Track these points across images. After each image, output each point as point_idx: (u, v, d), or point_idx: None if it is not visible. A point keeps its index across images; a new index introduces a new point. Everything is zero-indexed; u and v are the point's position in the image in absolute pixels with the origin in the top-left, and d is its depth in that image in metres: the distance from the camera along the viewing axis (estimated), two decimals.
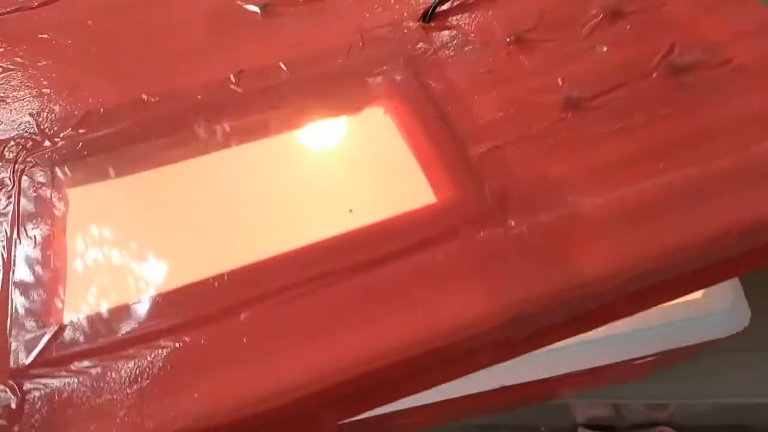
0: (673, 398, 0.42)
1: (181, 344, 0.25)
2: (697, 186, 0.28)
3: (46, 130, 0.34)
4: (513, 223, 0.27)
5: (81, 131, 0.34)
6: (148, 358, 0.25)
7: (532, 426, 0.52)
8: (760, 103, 0.31)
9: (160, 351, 0.25)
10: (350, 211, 0.29)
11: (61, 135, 0.34)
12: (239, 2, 0.40)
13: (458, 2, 0.38)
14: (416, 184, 0.30)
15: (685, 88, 0.32)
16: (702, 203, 0.27)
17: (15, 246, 0.29)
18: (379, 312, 0.25)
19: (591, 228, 0.27)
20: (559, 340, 0.27)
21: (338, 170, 0.33)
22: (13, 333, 0.26)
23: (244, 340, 0.25)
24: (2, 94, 0.36)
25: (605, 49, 0.34)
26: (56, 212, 0.31)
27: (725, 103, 0.31)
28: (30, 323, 0.27)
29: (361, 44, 0.37)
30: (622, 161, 0.30)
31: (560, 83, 0.33)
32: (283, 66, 0.36)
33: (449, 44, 0.36)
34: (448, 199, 0.29)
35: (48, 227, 0.30)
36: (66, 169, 0.33)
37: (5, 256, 0.29)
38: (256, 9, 0.39)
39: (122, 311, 0.27)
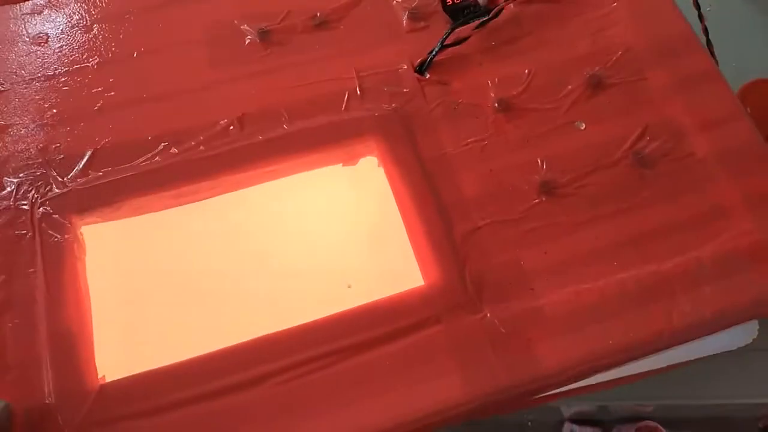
0: (660, 399, 0.48)
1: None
2: (646, 286, 0.33)
3: (56, 170, 0.36)
4: (488, 314, 0.32)
5: (90, 173, 0.36)
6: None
7: (519, 421, 0.57)
8: (714, 200, 0.36)
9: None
10: (348, 286, 0.33)
11: (71, 175, 0.36)
12: (236, 22, 0.40)
13: (452, 53, 0.40)
14: (407, 260, 0.34)
15: (648, 181, 0.36)
16: (648, 304, 0.33)
17: (42, 300, 0.32)
18: (365, 392, 0.31)
19: (551, 323, 0.32)
20: (512, 411, 0.33)
21: (336, 239, 0.36)
22: (50, 394, 0.30)
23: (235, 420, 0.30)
24: (4, 120, 0.37)
25: (583, 126, 0.38)
26: (77, 261, 0.34)
27: (683, 198, 0.36)
28: (66, 384, 0.31)
29: (358, 92, 0.39)
30: (584, 255, 0.34)
31: (539, 164, 0.37)
32: (283, 112, 0.38)
33: (441, 102, 0.38)
34: (434, 283, 0.33)
35: (71, 277, 0.33)
36: (80, 212, 0.35)
37: (34, 311, 0.32)
38: (255, 35, 0.40)
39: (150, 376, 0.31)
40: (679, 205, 0.36)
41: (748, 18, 0.70)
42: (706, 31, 0.43)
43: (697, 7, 0.44)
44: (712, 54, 0.41)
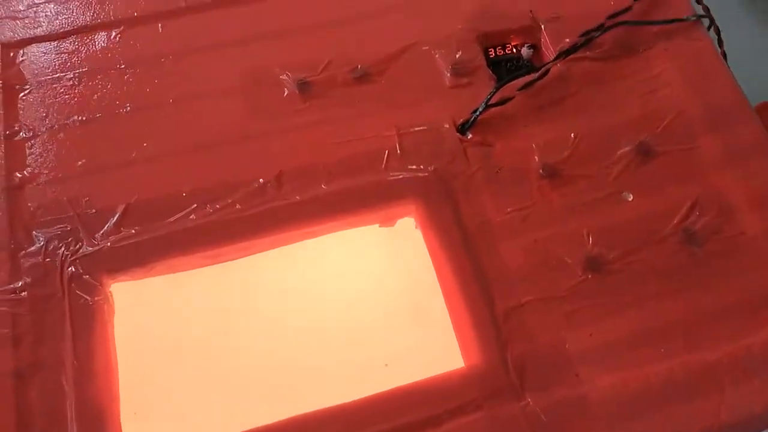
0: None
1: None
2: (693, 375, 0.32)
3: (87, 226, 0.35)
4: (530, 401, 0.31)
5: (122, 230, 0.35)
6: None
7: None
8: (766, 284, 0.34)
9: None
10: (386, 365, 0.32)
11: (102, 232, 0.34)
12: (276, 71, 0.39)
13: (495, 111, 0.38)
14: (446, 337, 0.33)
15: (697, 260, 0.35)
16: (694, 396, 0.32)
17: (71, 367, 0.32)
18: None
19: (594, 415, 0.31)
20: None
21: (373, 310, 0.35)
22: None
23: None
24: (33, 168, 0.36)
25: (630, 198, 0.36)
26: (107, 324, 0.33)
27: (733, 281, 0.34)
28: None
29: (398, 151, 0.37)
30: (630, 339, 0.33)
31: (585, 236, 0.35)
32: (322, 170, 0.37)
33: (483, 165, 0.37)
34: (474, 365, 0.32)
35: (101, 344, 0.32)
36: (110, 272, 0.34)
37: (62, 378, 0.31)
38: (294, 86, 0.39)
39: None
40: (729, 288, 0.34)
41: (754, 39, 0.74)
42: (724, 56, 0.42)
43: (718, 32, 0.43)
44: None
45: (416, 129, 0.38)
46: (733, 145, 0.38)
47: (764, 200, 0.36)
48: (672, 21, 0.41)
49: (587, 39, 0.39)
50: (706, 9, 0.42)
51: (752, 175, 0.37)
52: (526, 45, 0.41)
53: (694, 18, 0.41)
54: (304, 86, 0.39)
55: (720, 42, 0.43)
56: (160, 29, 0.40)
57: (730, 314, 0.34)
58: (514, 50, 0.42)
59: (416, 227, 0.37)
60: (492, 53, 0.42)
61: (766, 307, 0.34)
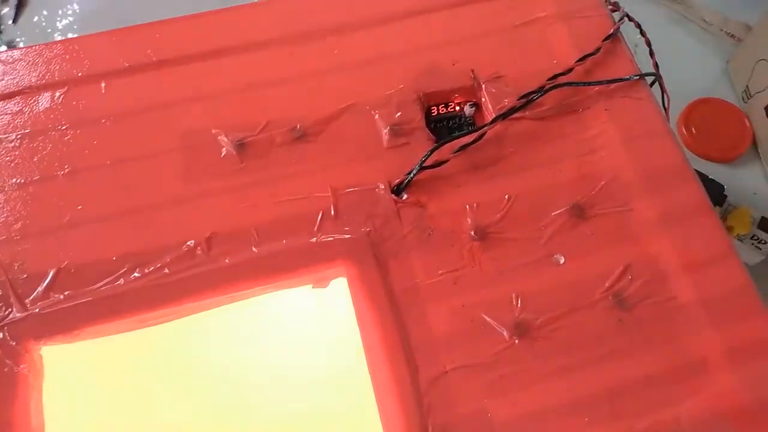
0: None
1: None
2: None
3: (17, 292, 0.35)
4: None
5: (53, 296, 0.35)
6: None
7: None
8: (694, 351, 0.34)
9: None
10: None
11: (32, 297, 0.35)
12: (214, 131, 0.39)
13: (432, 172, 0.38)
14: (367, 404, 0.33)
15: (626, 326, 0.35)
16: None
17: None
18: None
19: None
20: None
21: (297, 376, 0.35)
22: None
23: None
24: None
25: (562, 260, 0.36)
26: (31, 392, 0.33)
27: (661, 348, 0.34)
28: None
29: (332, 212, 0.37)
30: (554, 407, 0.33)
31: (514, 301, 0.35)
32: (254, 233, 0.37)
33: (416, 226, 0.37)
34: None
35: (22, 415, 0.32)
36: (38, 338, 0.34)
37: None
38: (231, 146, 0.39)
39: None
40: (656, 355, 0.34)
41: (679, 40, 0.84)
42: (656, 66, 0.43)
43: (649, 44, 0.44)
44: (662, 87, 0.41)
45: (351, 190, 0.38)
46: (670, 208, 0.37)
47: (698, 265, 0.36)
48: (613, 81, 0.41)
49: (526, 102, 0.39)
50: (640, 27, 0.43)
51: (688, 238, 0.37)
52: (468, 103, 0.42)
53: (637, 77, 0.41)
54: (241, 146, 0.39)
55: (651, 53, 0.43)
56: (103, 89, 0.40)
57: (657, 382, 0.33)
58: (457, 108, 0.42)
59: (348, 286, 0.37)
60: (434, 111, 0.42)
61: (695, 376, 0.33)
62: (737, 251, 0.36)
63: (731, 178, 0.74)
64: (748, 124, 0.78)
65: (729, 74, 0.84)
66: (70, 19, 0.80)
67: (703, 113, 0.80)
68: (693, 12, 0.88)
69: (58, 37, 0.78)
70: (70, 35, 0.79)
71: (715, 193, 0.68)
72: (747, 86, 0.80)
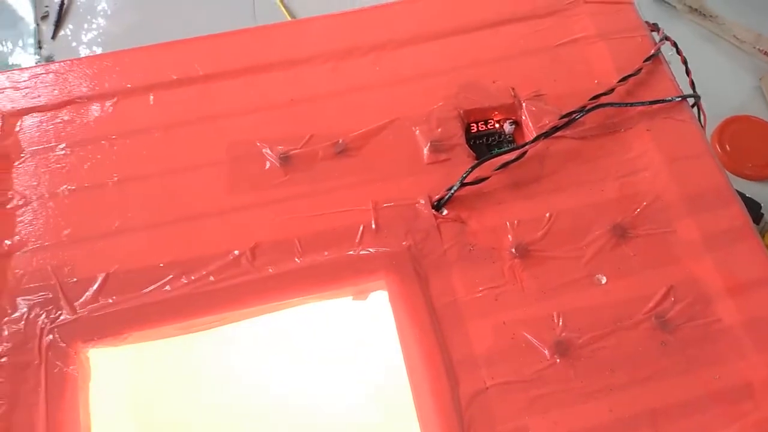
0: None
1: None
2: None
3: (67, 294, 0.36)
4: None
5: (101, 300, 0.36)
6: None
7: None
8: (739, 376, 0.34)
9: None
10: None
11: (81, 301, 0.36)
12: (259, 144, 0.40)
13: (473, 189, 0.39)
14: (407, 419, 0.33)
15: (669, 348, 0.34)
16: None
17: None
18: None
19: None
20: None
21: (336, 387, 0.36)
22: None
23: None
24: (22, 236, 0.38)
25: (604, 280, 0.36)
26: (79, 393, 0.34)
27: (705, 371, 0.34)
28: None
29: (373, 226, 0.38)
30: (595, 428, 0.33)
31: (555, 320, 0.35)
32: (297, 244, 0.37)
33: (457, 242, 0.37)
34: None
35: (71, 415, 0.33)
36: (86, 341, 0.35)
37: None
38: (275, 159, 0.40)
39: None
40: (700, 379, 0.34)
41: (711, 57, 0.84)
42: (693, 85, 0.43)
43: (685, 62, 0.44)
44: (699, 108, 0.41)
45: (392, 204, 0.38)
46: (712, 230, 0.37)
47: (742, 288, 0.36)
48: (655, 102, 0.41)
49: (568, 121, 0.40)
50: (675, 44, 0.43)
51: (731, 261, 0.36)
52: (508, 121, 0.42)
53: (679, 99, 0.41)
54: (285, 159, 0.40)
55: (687, 71, 0.43)
56: (152, 101, 0.41)
57: (700, 406, 0.33)
58: (497, 125, 0.42)
59: (389, 301, 0.37)
60: (474, 128, 0.42)
61: (740, 400, 0.33)
62: None
63: (766, 195, 0.73)
64: None
65: (762, 91, 0.83)
66: (94, 33, 0.82)
67: (736, 131, 0.79)
68: (725, 29, 0.87)
69: (83, 53, 0.80)
70: (95, 48, 0.81)
71: (753, 211, 0.67)
72: None
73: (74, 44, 0.82)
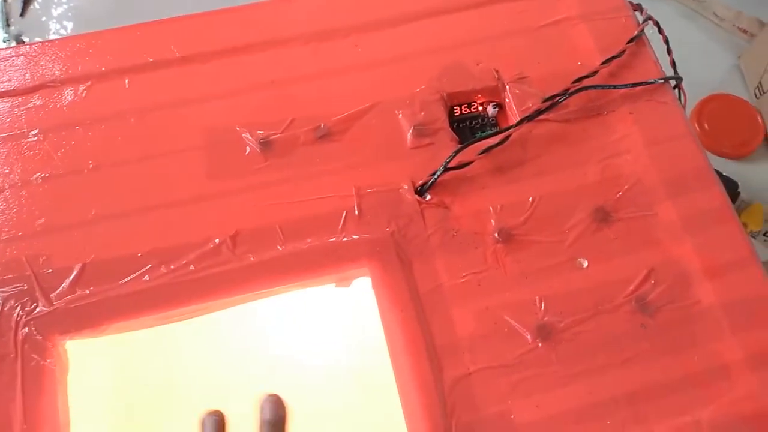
0: None
1: None
2: None
3: (43, 286, 0.35)
4: None
5: (78, 291, 0.35)
6: None
7: None
8: (716, 356, 0.34)
9: None
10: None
11: (57, 292, 0.35)
12: (238, 129, 0.39)
13: (456, 173, 0.38)
14: (391, 405, 0.33)
15: (649, 331, 0.35)
16: None
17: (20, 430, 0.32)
18: None
19: None
20: None
21: (320, 372, 0.35)
22: None
23: None
24: None
25: (585, 264, 0.36)
26: (57, 385, 0.33)
27: (684, 353, 0.34)
28: None
29: (356, 211, 0.38)
30: (576, 410, 0.33)
31: (537, 304, 0.35)
32: (279, 231, 0.37)
33: (440, 227, 0.37)
34: None
35: (50, 408, 0.33)
36: (63, 333, 0.34)
37: None
38: (255, 144, 0.39)
39: None
40: (678, 360, 0.34)
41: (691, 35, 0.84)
42: (674, 64, 0.43)
43: (666, 42, 0.44)
44: (680, 90, 0.41)
45: (375, 190, 0.38)
46: (692, 212, 0.38)
47: (720, 270, 0.36)
48: (638, 84, 0.41)
49: (551, 104, 0.39)
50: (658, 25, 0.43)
51: (710, 243, 0.37)
52: (491, 104, 0.42)
53: (661, 81, 0.41)
54: (266, 144, 0.39)
55: (669, 51, 0.44)
56: (127, 85, 0.40)
57: (679, 387, 0.34)
58: (480, 108, 0.42)
59: (372, 287, 0.37)
60: (457, 111, 0.42)
61: (717, 381, 0.34)
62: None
63: (743, 174, 0.74)
64: (760, 120, 0.78)
65: (741, 70, 0.83)
66: (65, 8, 0.79)
67: (715, 109, 0.79)
68: (705, 7, 0.87)
69: (54, 29, 0.78)
70: (65, 23, 0.78)
71: (730, 190, 0.68)
72: (760, 82, 0.79)
73: (44, 19, 0.79)
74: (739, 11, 0.85)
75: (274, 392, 0.32)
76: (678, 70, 0.43)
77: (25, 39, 0.77)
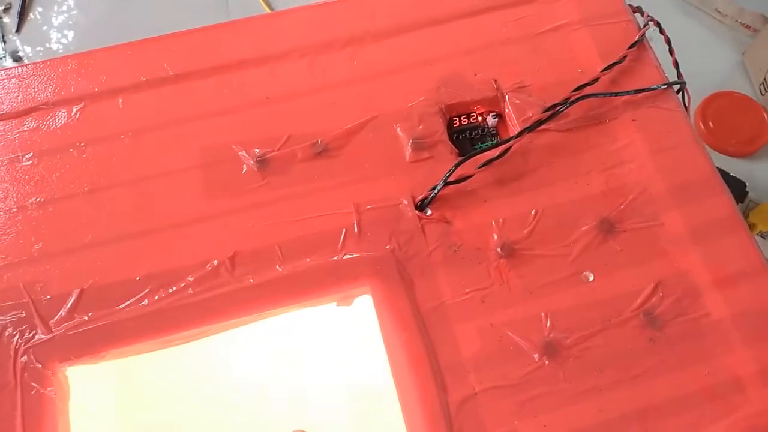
0: None
1: None
2: None
3: (41, 313, 0.34)
4: None
5: (77, 317, 0.35)
6: None
7: None
8: (729, 370, 0.33)
9: None
10: None
11: (56, 319, 0.34)
12: (235, 147, 0.39)
13: (456, 187, 0.38)
14: (395, 428, 0.32)
15: (658, 345, 0.34)
16: None
17: None
18: None
19: None
20: None
21: (321, 395, 0.35)
22: None
23: None
24: None
25: (591, 278, 0.36)
26: (58, 414, 0.33)
27: (695, 367, 0.34)
28: None
29: (355, 229, 0.37)
30: (585, 429, 0.32)
31: (543, 320, 0.35)
32: (278, 251, 0.36)
33: (442, 243, 0.37)
34: None
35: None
36: (63, 360, 0.34)
37: None
38: (253, 162, 0.38)
39: None
40: (689, 375, 0.33)
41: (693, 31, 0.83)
42: (676, 64, 0.42)
43: (668, 43, 0.43)
44: (685, 93, 0.40)
45: (374, 206, 0.37)
46: (700, 221, 0.37)
47: (730, 281, 0.35)
48: (640, 91, 0.40)
49: (551, 114, 0.39)
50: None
51: (720, 252, 0.36)
52: (491, 114, 0.41)
53: (664, 86, 0.40)
54: (263, 162, 0.38)
55: (671, 51, 0.43)
56: (121, 105, 0.40)
57: (692, 403, 0.33)
58: (479, 119, 0.41)
59: (374, 305, 0.36)
60: (456, 123, 0.41)
61: (730, 395, 0.33)
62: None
63: (751, 172, 0.73)
64: (766, 117, 0.77)
65: (745, 66, 0.82)
66: (62, 22, 0.79)
67: (719, 107, 0.78)
68: (707, 3, 0.86)
69: (55, 44, 0.77)
70: (66, 38, 0.78)
71: (738, 190, 0.67)
72: (765, 78, 0.78)
73: (41, 34, 0.79)
74: (742, 7, 0.84)
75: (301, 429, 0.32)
76: (680, 68, 0.42)
77: (23, 51, 0.77)
